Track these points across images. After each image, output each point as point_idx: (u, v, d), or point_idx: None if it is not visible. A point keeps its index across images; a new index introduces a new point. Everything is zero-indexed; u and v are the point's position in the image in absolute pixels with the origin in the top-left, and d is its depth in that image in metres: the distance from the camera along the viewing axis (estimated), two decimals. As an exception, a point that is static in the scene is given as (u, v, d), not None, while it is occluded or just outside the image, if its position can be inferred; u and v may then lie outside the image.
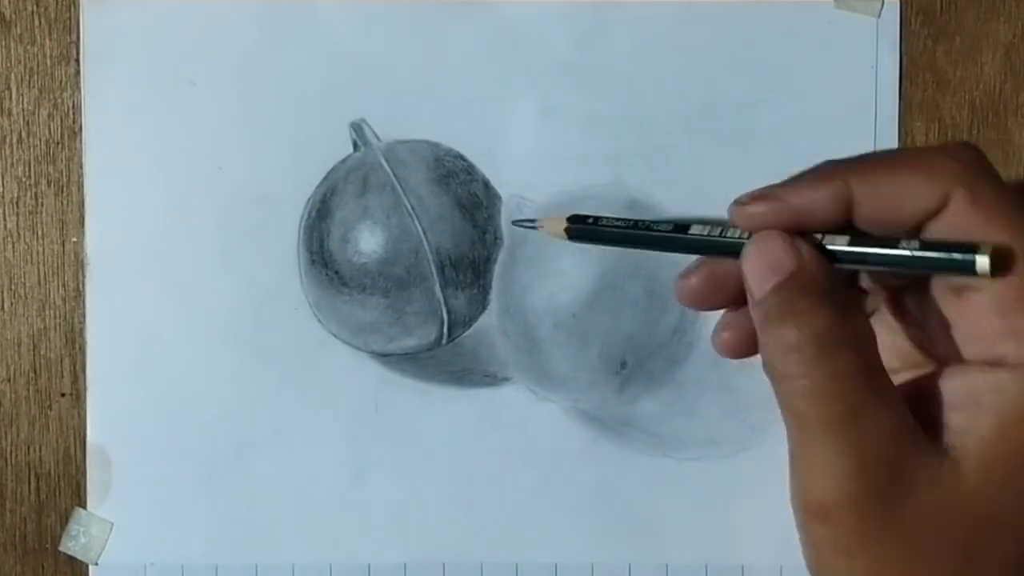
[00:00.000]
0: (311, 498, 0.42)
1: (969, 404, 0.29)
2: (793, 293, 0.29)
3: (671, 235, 0.34)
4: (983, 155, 0.30)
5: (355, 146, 0.42)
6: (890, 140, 0.42)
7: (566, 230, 0.37)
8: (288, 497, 0.42)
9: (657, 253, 0.42)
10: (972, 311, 0.29)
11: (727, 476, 0.42)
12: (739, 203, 0.31)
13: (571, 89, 0.42)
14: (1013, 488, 0.28)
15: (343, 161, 0.42)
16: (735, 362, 0.35)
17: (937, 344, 0.31)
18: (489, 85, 0.42)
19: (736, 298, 0.32)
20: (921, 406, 0.29)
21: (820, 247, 0.30)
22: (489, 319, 0.42)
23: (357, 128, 0.42)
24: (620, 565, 0.42)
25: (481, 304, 0.42)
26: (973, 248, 0.28)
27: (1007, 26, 0.42)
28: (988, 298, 0.29)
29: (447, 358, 0.42)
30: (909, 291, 0.33)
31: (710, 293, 0.33)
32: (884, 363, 0.30)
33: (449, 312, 0.42)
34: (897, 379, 0.31)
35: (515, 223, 0.41)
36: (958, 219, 0.29)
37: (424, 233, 0.41)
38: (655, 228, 0.35)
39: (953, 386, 0.29)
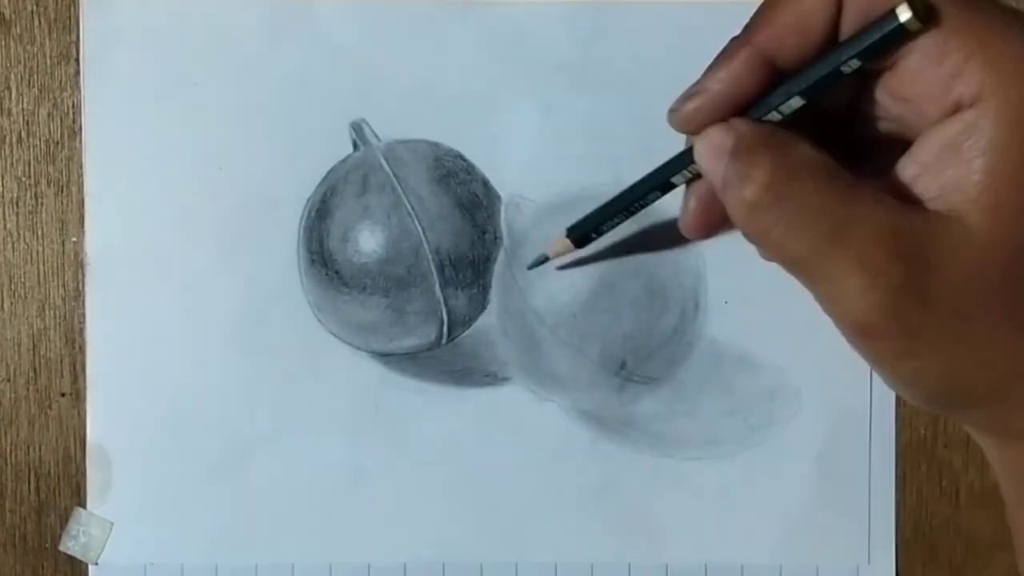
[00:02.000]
0: (311, 498, 0.42)
1: (950, 158, 0.28)
2: (737, 159, 0.30)
3: (653, 178, 0.35)
4: None
5: (355, 146, 0.42)
6: (890, 140, 0.42)
7: (571, 241, 0.38)
8: (288, 497, 0.42)
9: (657, 253, 0.42)
10: (914, 79, 0.29)
11: (727, 476, 0.42)
12: (672, 110, 0.32)
13: (571, 89, 0.42)
14: None
15: (343, 161, 0.42)
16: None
17: (905, 130, 0.31)
18: (489, 85, 0.42)
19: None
20: (909, 188, 0.29)
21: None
22: (489, 319, 0.42)
23: (357, 128, 0.42)
24: (620, 565, 0.42)
25: (481, 304, 0.42)
26: (892, 12, 0.28)
27: (1007, 26, 0.42)
28: (920, 58, 0.29)
29: (447, 358, 0.42)
30: (861, 103, 0.33)
31: (706, 213, 0.33)
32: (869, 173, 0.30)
33: (449, 312, 0.42)
34: (883, 182, 0.31)
35: (530, 268, 0.41)
36: (853, 9, 0.29)
37: (424, 233, 0.41)
38: (638, 188, 0.36)
39: (930, 151, 0.29)
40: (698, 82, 0.31)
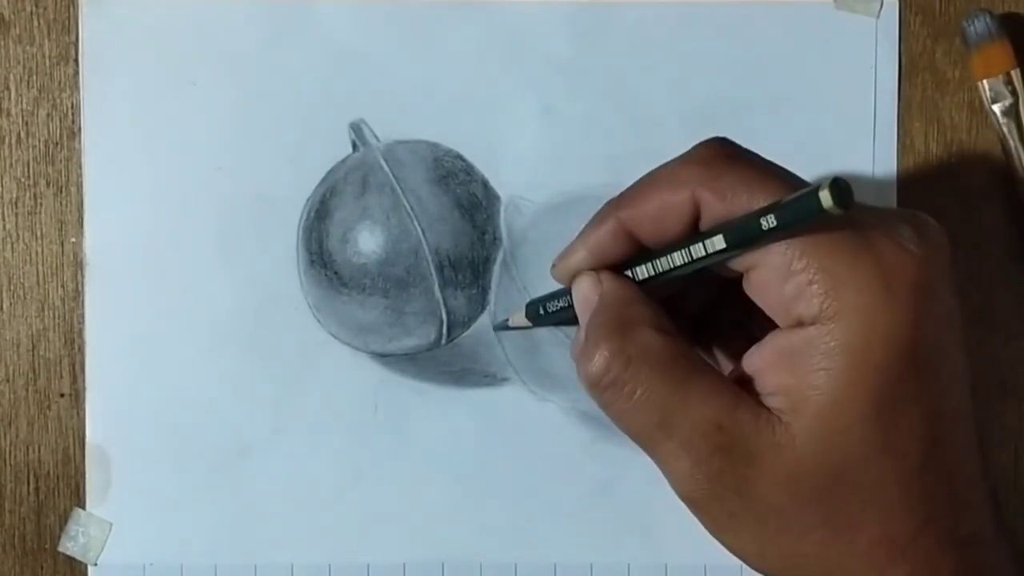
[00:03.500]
0: (311, 498, 0.42)
1: (787, 365, 0.30)
2: (589, 329, 0.32)
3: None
4: (722, 145, 0.32)
5: (354, 146, 0.42)
6: (890, 140, 0.42)
7: (528, 316, 0.38)
8: (288, 497, 0.42)
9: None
10: (762, 290, 0.31)
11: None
12: (553, 266, 0.34)
13: (571, 89, 0.42)
14: (849, 436, 0.29)
15: (342, 161, 0.42)
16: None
17: (752, 329, 0.32)
18: (489, 85, 0.42)
19: None
20: (749, 381, 0.31)
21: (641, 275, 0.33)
22: (488, 319, 0.42)
23: (356, 128, 0.42)
24: (619, 565, 0.42)
25: (480, 304, 0.42)
26: (814, 193, 0.28)
27: (1007, 26, 0.42)
28: (768, 272, 0.30)
29: (447, 358, 0.42)
30: (724, 295, 0.35)
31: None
32: (716, 360, 0.34)
33: (448, 312, 0.42)
34: (728, 369, 0.33)
35: (496, 329, 0.42)
36: (712, 218, 0.31)
37: (423, 233, 0.41)
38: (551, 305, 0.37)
39: (772, 353, 0.30)
40: (573, 242, 0.34)
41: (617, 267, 0.33)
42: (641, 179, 0.33)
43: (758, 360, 0.31)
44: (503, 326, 0.40)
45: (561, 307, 0.35)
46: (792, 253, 0.29)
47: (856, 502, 0.30)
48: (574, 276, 0.34)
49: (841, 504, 0.30)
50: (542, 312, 0.37)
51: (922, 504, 0.30)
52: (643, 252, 0.33)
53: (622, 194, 0.33)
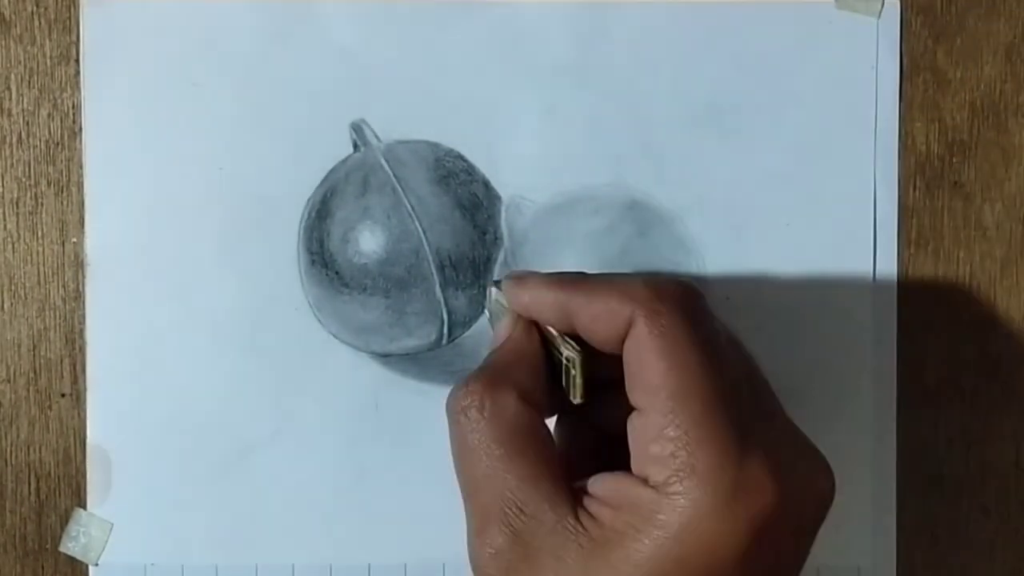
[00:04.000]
0: (311, 498, 0.42)
1: (612, 502, 0.31)
2: (482, 360, 0.34)
3: None
4: (684, 288, 0.33)
5: (355, 146, 0.42)
6: (890, 140, 0.42)
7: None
8: (288, 497, 0.42)
9: (657, 254, 0.42)
10: (636, 433, 0.32)
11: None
12: (506, 276, 0.36)
13: (571, 89, 0.42)
14: None
15: (343, 161, 0.42)
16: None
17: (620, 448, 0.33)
18: (489, 85, 0.42)
19: None
20: (585, 493, 0.32)
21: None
22: (486, 315, 0.42)
23: (357, 128, 0.42)
24: (620, 565, 0.42)
25: (481, 304, 0.42)
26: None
27: (1007, 26, 0.42)
28: (646, 422, 0.31)
29: (447, 358, 0.42)
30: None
31: None
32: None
33: (449, 312, 0.42)
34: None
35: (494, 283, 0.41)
36: (637, 340, 0.31)
37: (424, 233, 0.41)
38: None
39: (611, 485, 0.31)
40: (533, 276, 0.35)
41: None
42: (601, 274, 0.35)
43: (599, 485, 0.32)
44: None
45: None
46: (672, 418, 0.30)
47: None
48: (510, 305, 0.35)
49: None
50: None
51: None
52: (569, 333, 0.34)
53: (584, 279, 0.34)
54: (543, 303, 0.34)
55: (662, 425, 0.30)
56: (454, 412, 0.33)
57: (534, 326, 0.35)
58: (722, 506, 0.29)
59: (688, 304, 0.32)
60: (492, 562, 0.31)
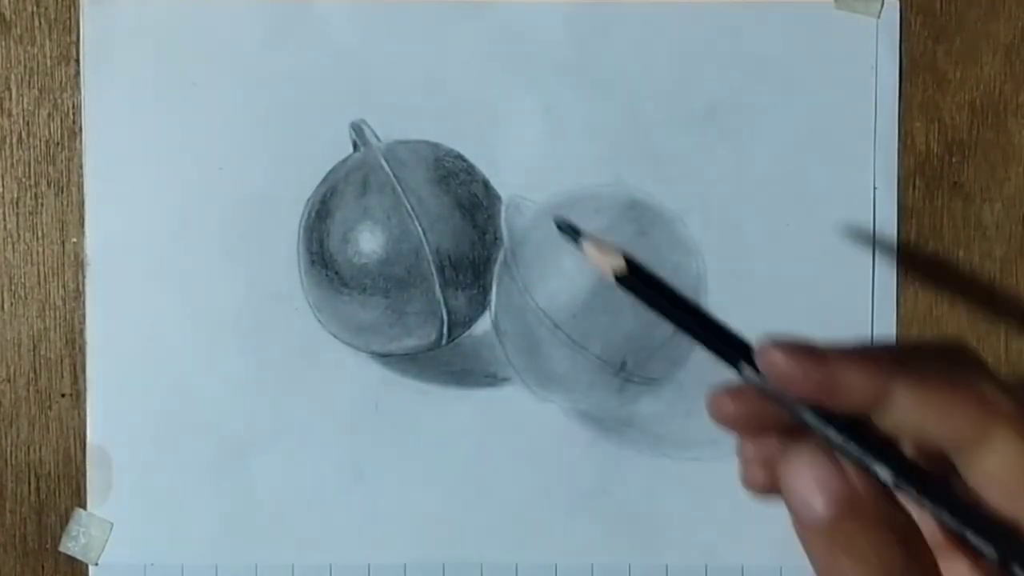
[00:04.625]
0: (311, 498, 0.42)
1: None
2: (858, 527, 0.26)
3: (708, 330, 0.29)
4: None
5: (355, 146, 0.42)
6: (890, 140, 0.42)
7: (622, 271, 0.28)
8: (288, 497, 0.42)
9: (657, 254, 0.42)
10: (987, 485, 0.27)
11: (727, 476, 0.42)
12: (768, 346, 0.27)
13: (571, 89, 0.42)
14: None
15: (343, 161, 0.42)
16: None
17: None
18: (489, 85, 0.42)
19: (768, 431, 0.29)
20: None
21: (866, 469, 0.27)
22: (489, 319, 0.42)
23: (357, 128, 0.42)
24: (620, 565, 0.42)
25: (481, 304, 0.42)
26: None
27: (1007, 26, 0.42)
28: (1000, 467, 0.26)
29: (447, 358, 0.42)
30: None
31: (746, 422, 0.29)
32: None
33: (449, 312, 0.42)
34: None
35: (559, 223, 0.30)
36: (994, 464, 0.26)
37: (424, 233, 0.41)
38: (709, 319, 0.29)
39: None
40: (815, 345, 0.27)
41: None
42: (936, 363, 0.27)
43: None
44: (567, 229, 0.30)
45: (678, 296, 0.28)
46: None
47: None
48: (783, 382, 0.27)
49: None
50: (643, 284, 0.28)
51: None
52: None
53: (906, 357, 0.27)
54: (854, 382, 0.26)
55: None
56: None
57: (851, 468, 0.27)
58: None
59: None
60: None
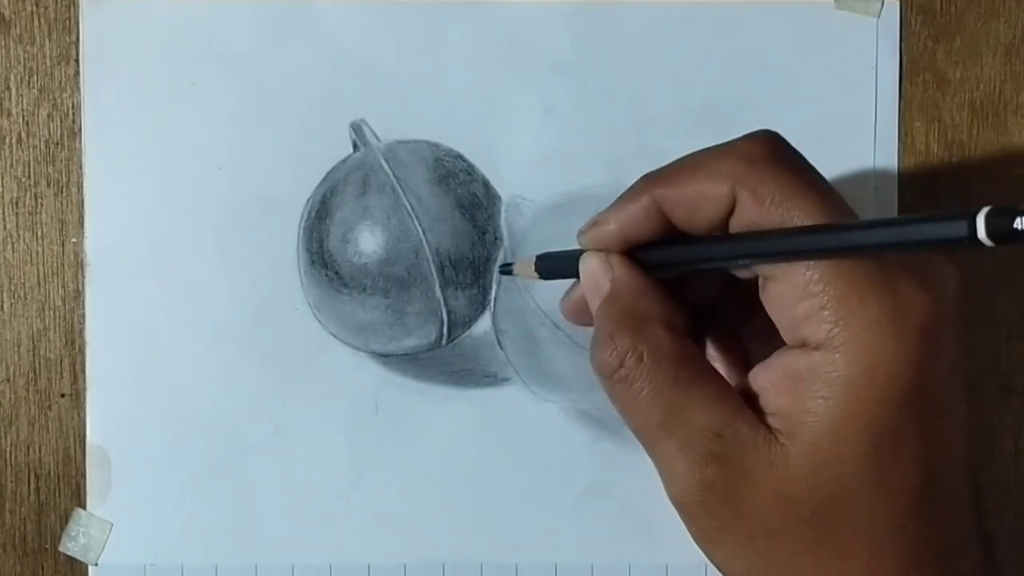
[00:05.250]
0: (311, 498, 0.42)
1: (789, 387, 0.30)
2: (603, 318, 0.32)
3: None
4: (771, 143, 0.31)
5: (355, 146, 0.42)
6: (890, 140, 0.42)
7: (536, 268, 0.37)
8: (288, 497, 0.42)
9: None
10: (773, 304, 0.31)
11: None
12: (581, 232, 0.34)
13: (571, 89, 0.42)
14: (842, 467, 0.29)
15: (343, 161, 0.42)
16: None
17: (763, 339, 0.32)
18: (489, 85, 0.42)
19: None
20: (754, 397, 0.31)
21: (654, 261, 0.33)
22: (489, 319, 0.42)
23: (357, 128, 0.42)
24: (620, 565, 0.42)
25: (481, 304, 0.42)
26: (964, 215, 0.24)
27: (1007, 26, 0.42)
28: (782, 288, 0.30)
29: (447, 358, 0.42)
30: (730, 297, 0.35)
31: (587, 310, 0.35)
32: (720, 365, 0.34)
33: (449, 312, 0.42)
34: (732, 376, 0.33)
35: (500, 271, 0.41)
36: (746, 219, 0.30)
37: (424, 233, 0.41)
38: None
39: (776, 373, 0.30)
40: (605, 211, 0.33)
41: (641, 247, 0.33)
42: (680, 161, 0.32)
43: (763, 379, 0.31)
44: (507, 271, 0.39)
45: (575, 258, 0.35)
46: (811, 275, 0.29)
47: (847, 532, 0.29)
48: (583, 255, 0.34)
49: (831, 532, 0.29)
50: (554, 266, 0.36)
51: (911, 544, 0.29)
52: (668, 236, 0.32)
53: (659, 172, 0.32)
54: (634, 215, 0.32)
55: (803, 283, 0.29)
56: (611, 370, 0.31)
57: (618, 255, 0.33)
58: (893, 336, 0.28)
59: (782, 157, 0.31)
60: (708, 496, 0.30)
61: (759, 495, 0.30)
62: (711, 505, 0.30)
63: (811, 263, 0.29)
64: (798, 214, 0.29)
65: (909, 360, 0.29)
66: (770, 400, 0.30)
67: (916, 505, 0.29)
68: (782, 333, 0.31)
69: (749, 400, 0.31)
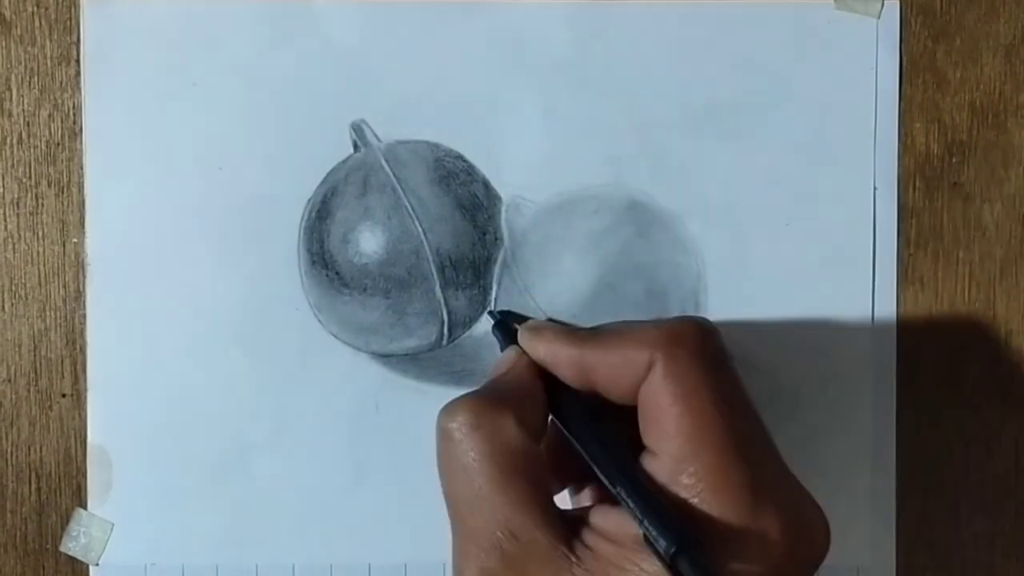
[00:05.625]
0: (311, 498, 0.42)
1: (617, 541, 0.31)
2: (483, 384, 0.35)
3: None
4: (700, 328, 0.33)
5: (355, 147, 0.42)
6: (890, 140, 0.42)
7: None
8: (288, 497, 0.42)
9: (657, 254, 0.42)
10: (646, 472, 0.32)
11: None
12: (526, 328, 0.36)
13: (571, 89, 0.42)
14: None
15: (343, 162, 0.42)
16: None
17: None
18: (489, 85, 0.42)
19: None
20: (581, 524, 0.32)
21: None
22: (489, 320, 0.42)
23: (357, 129, 0.42)
24: (620, 565, 0.42)
25: (482, 304, 0.42)
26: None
27: (1007, 26, 0.42)
28: (654, 465, 0.31)
29: (447, 359, 0.42)
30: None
31: None
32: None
33: (449, 313, 0.42)
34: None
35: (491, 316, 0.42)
36: (653, 386, 0.32)
37: (424, 234, 0.41)
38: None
39: (615, 520, 0.31)
40: (546, 326, 0.36)
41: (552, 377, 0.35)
42: (613, 324, 0.35)
43: (602, 519, 0.32)
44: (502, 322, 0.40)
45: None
46: (690, 469, 0.30)
47: None
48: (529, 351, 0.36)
49: None
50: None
51: None
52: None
53: (596, 332, 0.35)
54: (559, 358, 0.34)
55: (676, 472, 0.30)
56: (447, 427, 0.32)
57: (528, 360, 0.35)
58: (734, 556, 0.29)
59: (705, 346, 0.32)
60: None
61: None
62: None
63: (690, 455, 0.30)
64: (679, 411, 0.31)
65: None
66: (590, 537, 0.31)
67: None
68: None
69: (574, 522, 0.32)
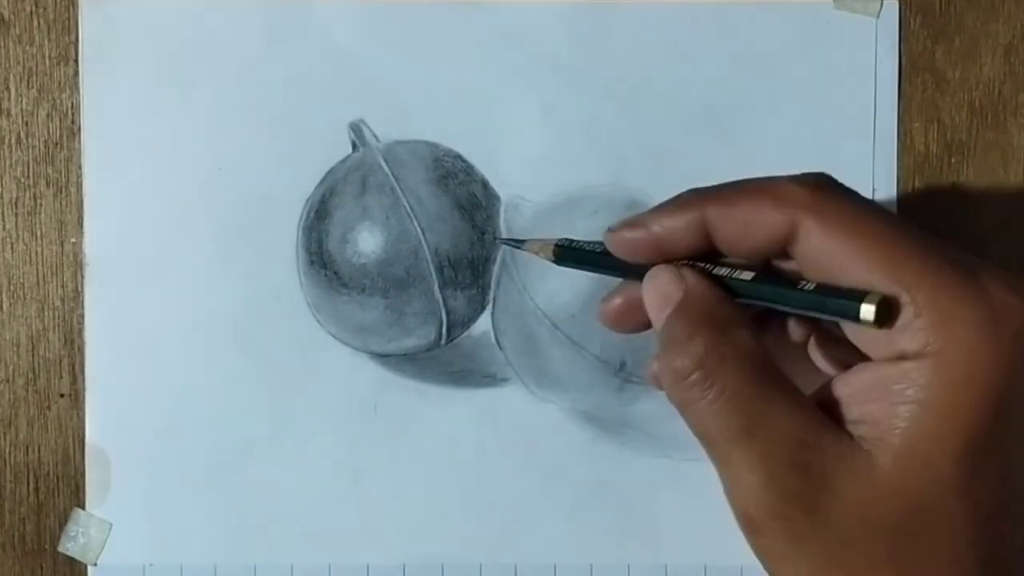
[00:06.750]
0: (311, 498, 0.42)
1: (879, 396, 0.29)
2: (677, 322, 0.31)
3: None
4: (833, 181, 0.31)
5: (354, 146, 0.42)
6: (890, 140, 0.42)
7: (554, 253, 0.36)
8: (288, 497, 0.42)
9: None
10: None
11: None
12: (611, 230, 0.33)
13: (571, 89, 0.42)
14: (932, 473, 0.28)
15: (342, 162, 0.42)
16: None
17: (847, 352, 0.32)
18: (489, 85, 0.42)
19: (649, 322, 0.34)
20: (834, 406, 0.30)
21: (714, 276, 0.32)
22: (488, 320, 0.42)
23: (356, 128, 0.42)
24: (619, 565, 0.42)
25: (480, 305, 0.42)
26: (860, 296, 0.28)
27: (1007, 26, 0.42)
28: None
29: (446, 359, 0.42)
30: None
31: (629, 315, 0.34)
32: (799, 375, 0.31)
33: (448, 313, 0.42)
34: (812, 386, 0.32)
35: (501, 241, 0.41)
36: (810, 247, 0.30)
37: (423, 234, 0.41)
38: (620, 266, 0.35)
39: (863, 381, 0.30)
40: (642, 215, 0.33)
41: (682, 261, 0.32)
42: (737, 183, 0.32)
43: (845, 388, 0.30)
44: (513, 244, 0.39)
45: (597, 252, 0.34)
46: (898, 288, 0.28)
47: (925, 544, 0.29)
48: (628, 253, 0.33)
49: (909, 544, 0.29)
50: (573, 255, 0.36)
51: (987, 559, 0.29)
52: (708, 255, 0.32)
53: (712, 189, 0.32)
54: (675, 230, 0.32)
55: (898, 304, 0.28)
56: (686, 372, 0.30)
57: (689, 268, 0.32)
58: (991, 340, 0.28)
59: (841, 189, 0.31)
60: (787, 508, 0.29)
61: (840, 506, 0.29)
62: (788, 517, 0.29)
63: (894, 272, 0.29)
64: (864, 244, 0.29)
65: (1006, 364, 0.28)
66: (853, 408, 0.30)
67: (993, 515, 0.29)
68: (868, 350, 0.30)
69: (828, 409, 0.30)
